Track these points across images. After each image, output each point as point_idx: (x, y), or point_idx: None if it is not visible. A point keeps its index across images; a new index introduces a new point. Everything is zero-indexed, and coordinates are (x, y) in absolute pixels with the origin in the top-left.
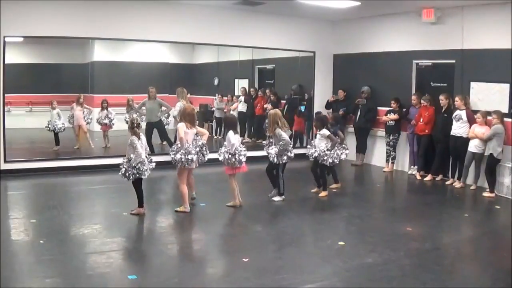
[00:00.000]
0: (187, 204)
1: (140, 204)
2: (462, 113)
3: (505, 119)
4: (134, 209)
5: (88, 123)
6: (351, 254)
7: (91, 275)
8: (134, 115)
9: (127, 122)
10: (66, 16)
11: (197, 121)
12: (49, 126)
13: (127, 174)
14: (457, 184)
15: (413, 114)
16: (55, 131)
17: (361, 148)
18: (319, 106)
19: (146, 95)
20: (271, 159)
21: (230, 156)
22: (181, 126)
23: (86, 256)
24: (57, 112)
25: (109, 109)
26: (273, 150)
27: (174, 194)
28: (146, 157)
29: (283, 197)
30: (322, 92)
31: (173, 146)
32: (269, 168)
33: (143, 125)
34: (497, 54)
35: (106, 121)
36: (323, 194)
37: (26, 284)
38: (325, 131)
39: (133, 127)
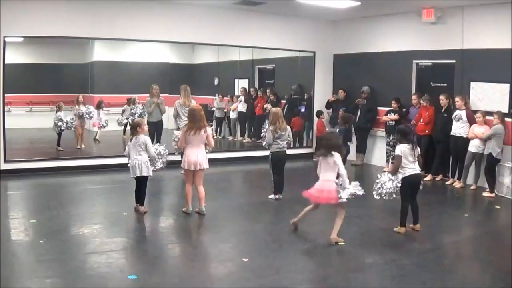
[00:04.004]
0: (190, 205)
1: (141, 202)
2: (462, 113)
3: (505, 119)
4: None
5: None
6: (351, 254)
7: (91, 275)
8: (139, 118)
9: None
10: (66, 16)
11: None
12: (60, 125)
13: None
14: (457, 184)
15: (413, 114)
16: (63, 129)
17: (361, 148)
18: (319, 106)
19: (148, 94)
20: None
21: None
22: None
23: (86, 256)
24: (62, 114)
25: (101, 110)
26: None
27: (174, 194)
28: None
29: (277, 196)
30: (322, 92)
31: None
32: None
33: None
34: (497, 54)
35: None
36: None
37: (26, 284)
38: (404, 148)
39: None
